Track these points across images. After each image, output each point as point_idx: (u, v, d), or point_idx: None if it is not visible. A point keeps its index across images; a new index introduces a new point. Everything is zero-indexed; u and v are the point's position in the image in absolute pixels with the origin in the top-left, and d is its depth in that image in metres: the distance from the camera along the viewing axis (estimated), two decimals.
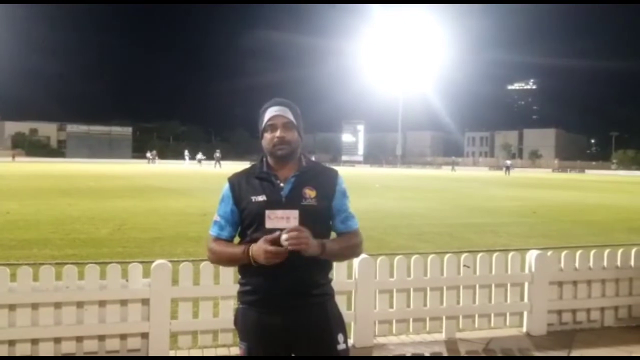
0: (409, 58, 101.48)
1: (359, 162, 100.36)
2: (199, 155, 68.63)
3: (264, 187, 2.33)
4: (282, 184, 2.32)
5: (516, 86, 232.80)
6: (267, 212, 2.25)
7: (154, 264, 4.38)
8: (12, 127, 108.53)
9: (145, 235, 10.24)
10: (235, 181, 2.40)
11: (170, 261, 4.85)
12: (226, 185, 2.42)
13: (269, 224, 2.25)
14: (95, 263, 4.59)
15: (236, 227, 2.40)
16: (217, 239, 2.39)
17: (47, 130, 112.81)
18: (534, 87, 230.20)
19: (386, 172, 59.24)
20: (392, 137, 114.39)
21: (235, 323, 2.43)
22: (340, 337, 2.34)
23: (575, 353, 4.62)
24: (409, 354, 4.58)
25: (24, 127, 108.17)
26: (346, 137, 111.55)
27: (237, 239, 2.43)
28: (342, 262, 4.44)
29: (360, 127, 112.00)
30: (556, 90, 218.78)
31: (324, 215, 2.34)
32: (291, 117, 2.37)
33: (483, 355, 4.61)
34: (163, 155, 73.29)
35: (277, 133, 2.33)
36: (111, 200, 16.96)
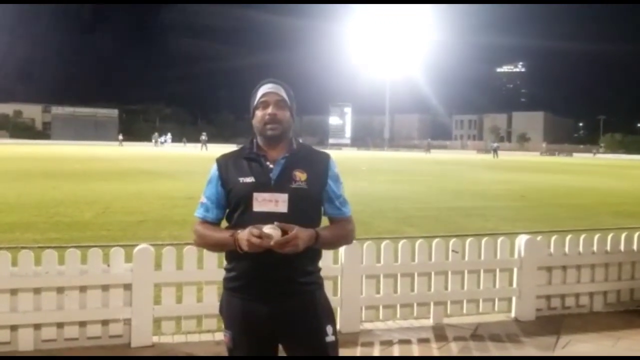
0: (397, 40, 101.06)
1: (346, 145, 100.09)
2: (159, 137, 69.34)
3: (253, 168, 2.23)
4: (271, 166, 2.22)
5: (505, 69, 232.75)
6: (255, 194, 2.16)
7: (136, 249, 4.27)
8: None
9: (130, 218, 10.10)
10: (223, 162, 2.30)
11: (155, 245, 4.76)
12: (214, 166, 2.32)
13: (256, 207, 2.15)
14: (78, 247, 4.49)
15: (223, 209, 2.29)
16: (203, 221, 2.29)
17: (32, 112, 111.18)
18: (523, 70, 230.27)
19: (373, 155, 59.23)
20: (380, 120, 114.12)
21: (220, 310, 2.33)
22: (329, 329, 2.24)
23: (563, 338, 4.60)
24: (395, 340, 4.52)
25: (7, 108, 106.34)
26: (333, 120, 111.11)
27: (224, 224, 2.32)
28: None
29: (348, 110, 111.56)
30: (545, 74, 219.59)
31: (315, 199, 2.25)
32: (284, 95, 2.27)
33: (473, 348, 4.56)
34: (150, 137, 72.89)
35: (269, 110, 2.24)
36: (96, 183, 16.75)
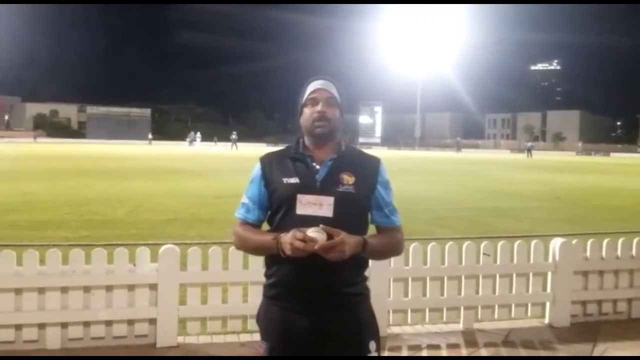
0: (428, 37, 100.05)
1: (376, 145, 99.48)
2: (195, 135, 69.79)
3: (298, 168, 2.11)
4: (317, 167, 2.10)
5: (539, 67, 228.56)
6: (299, 196, 2.04)
7: (162, 249, 4.26)
8: (33, 109, 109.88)
9: (160, 217, 10.17)
10: (267, 161, 2.19)
11: (182, 244, 4.74)
12: (257, 165, 2.20)
13: (299, 210, 2.04)
14: (107, 245, 4.50)
15: (265, 211, 2.18)
16: (244, 222, 2.18)
17: (68, 111, 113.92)
18: (558, 67, 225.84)
19: (404, 155, 58.75)
20: (411, 118, 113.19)
21: (258, 319, 2.21)
22: (372, 345, 2.10)
23: (600, 346, 4.42)
24: (424, 345, 4.41)
25: (44, 108, 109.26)
26: (363, 119, 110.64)
27: (266, 227, 2.21)
28: None
29: (378, 109, 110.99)
30: (580, 71, 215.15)
31: (362, 205, 2.12)
32: (335, 93, 2.16)
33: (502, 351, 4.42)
34: (182, 136, 73.94)
35: (318, 107, 2.12)
36: (128, 182, 16.98)
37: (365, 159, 2.20)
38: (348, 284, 2.10)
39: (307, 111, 2.15)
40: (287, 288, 2.08)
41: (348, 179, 2.08)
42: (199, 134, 72.20)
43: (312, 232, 1.92)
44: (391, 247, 2.20)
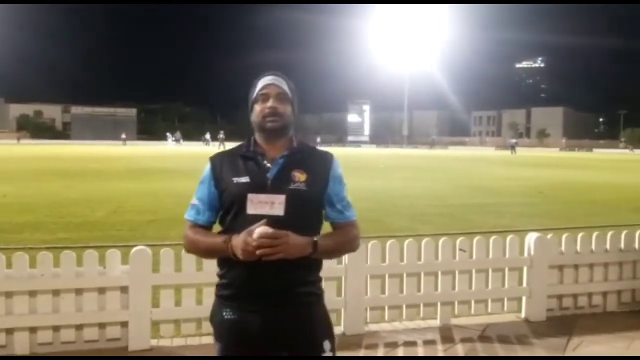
0: (415, 36, 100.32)
1: (365, 143, 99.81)
2: (174, 135, 70.43)
3: (249, 167, 2.06)
4: (268, 165, 2.05)
5: (524, 64, 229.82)
6: (250, 195, 1.99)
7: (133, 250, 4.20)
8: (17, 109, 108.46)
9: (141, 217, 10.07)
10: (218, 161, 2.14)
11: (157, 245, 4.67)
12: (207, 165, 2.15)
13: (251, 209, 1.98)
14: (84, 247, 4.42)
15: (216, 212, 2.13)
16: (195, 225, 2.13)
17: (52, 112, 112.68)
18: (542, 65, 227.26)
19: (392, 152, 58.91)
20: (399, 116, 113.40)
21: (211, 319, 2.17)
22: (327, 345, 2.07)
23: (575, 339, 4.43)
24: (401, 342, 4.39)
25: (28, 109, 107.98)
26: (352, 117, 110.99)
27: (217, 228, 2.16)
28: None
29: (366, 107, 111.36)
30: (564, 69, 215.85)
31: (315, 202, 2.07)
32: (286, 88, 2.12)
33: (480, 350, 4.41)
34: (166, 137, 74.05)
35: (269, 103, 2.08)
36: (110, 182, 16.82)
37: (317, 155, 2.16)
38: (301, 283, 2.06)
39: (257, 107, 2.11)
40: (239, 289, 2.04)
41: (300, 176, 2.04)
42: (177, 134, 72.25)
43: (259, 231, 1.88)
44: (346, 244, 2.15)
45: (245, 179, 2.04)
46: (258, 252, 1.87)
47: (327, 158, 2.15)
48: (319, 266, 2.14)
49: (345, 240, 2.13)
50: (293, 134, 2.16)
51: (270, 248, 1.87)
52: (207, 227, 2.14)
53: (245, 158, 2.10)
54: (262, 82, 2.13)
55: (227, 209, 2.08)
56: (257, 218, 1.95)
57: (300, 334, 2.04)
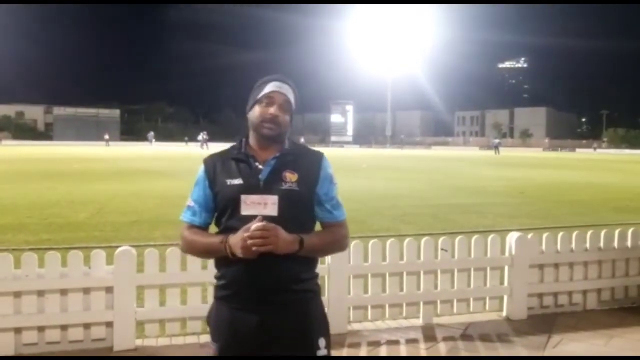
0: (398, 37, 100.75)
1: (348, 143, 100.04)
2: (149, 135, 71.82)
3: (241, 169, 2.10)
4: (261, 167, 2.09)
5: (507, 65, 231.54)
6: (243, 197, 2.03)
7: (117, 251, 4.21)
8: None
9: (124, 219, 10.04)
10: (211, 163, 2.17)
11: (142, 246, 4.68)
12: (201, 168, 2.19)
13: (244, 210, 2.02)
14: (68, 248, 4.41)
15: (212, 213, 2.17)
16: (191, 226, 2.16)
17: (34, 113, 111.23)
18: (525, 65, 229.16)
19: (375, 153, 59.10)
20: (382, 117, 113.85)
21: (208, 321, 2.20)
22: (322, 342, 2.10)
23: (555, 337, 4.51)
24: (384, 341, 4.44)
25: (9, 110, 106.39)
26: (335, 118, 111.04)
27: (214, 229, 2.20)
28: None
29: (350, 108, 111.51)
30: (547, 69, 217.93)
31: (306, 201, 2.11)
32: (291, 98, 2.15)
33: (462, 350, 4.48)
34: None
35: (272, 110, 2.10)
36: (93, 184, 16.71)
37: (308, 155, 2.19)
38: (297, 281, 2.09)
39: (259, 109, 2.13)
40: (237, 288, 2.07)
41: (291, 176, 2.08)
42: (152, 134, 72.78)
43: (255, 226, 1.94)
44: (333, 244, 2.19)
45: (238, 181, 2.08)
46: (249, 242, 1.91)
47: (318, 157, 2.19)
48: (314, 263, 2.18)
49: (332, 240, 2.17)
50: (286, 138, 2.19)
51: (261, 239, 1.92)
52: (203, 228, 2.18)
53: (238, 161, 2.14)
54: (271, 86, 2.14)
55: (222, 210, 2.12)
56: (252, 219, 1.98)
57: (297, 332, 2.07)
